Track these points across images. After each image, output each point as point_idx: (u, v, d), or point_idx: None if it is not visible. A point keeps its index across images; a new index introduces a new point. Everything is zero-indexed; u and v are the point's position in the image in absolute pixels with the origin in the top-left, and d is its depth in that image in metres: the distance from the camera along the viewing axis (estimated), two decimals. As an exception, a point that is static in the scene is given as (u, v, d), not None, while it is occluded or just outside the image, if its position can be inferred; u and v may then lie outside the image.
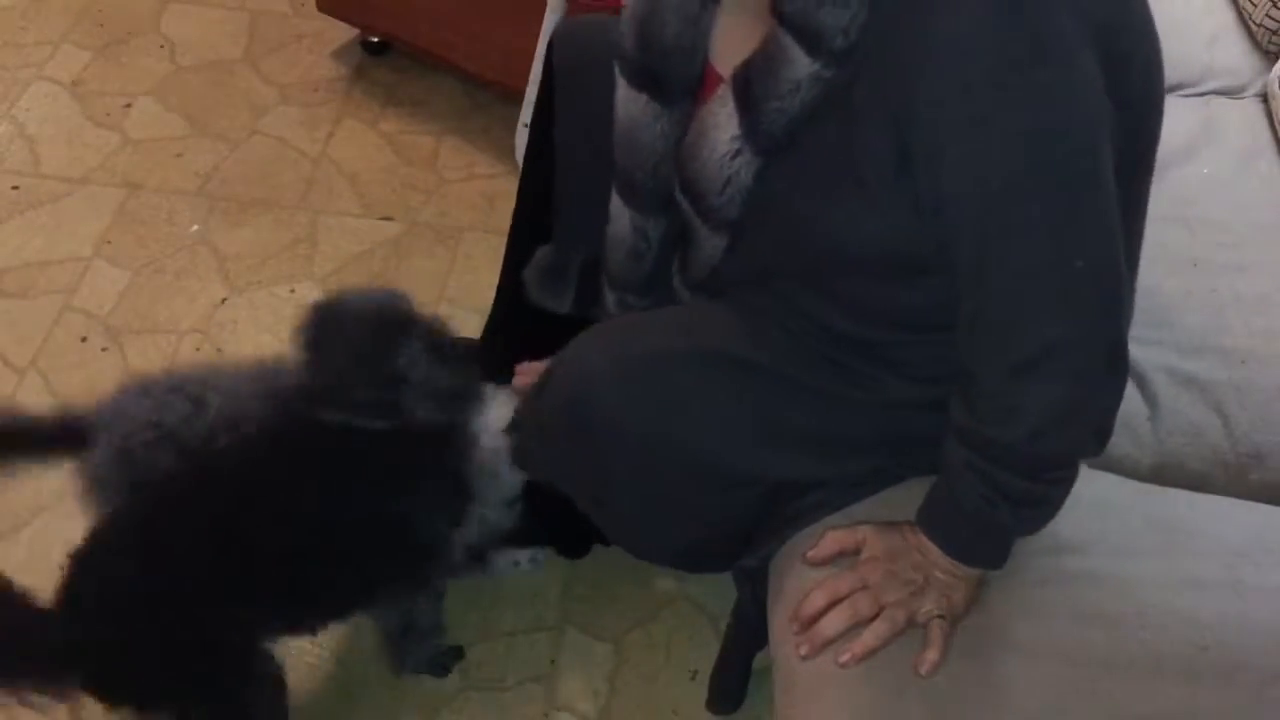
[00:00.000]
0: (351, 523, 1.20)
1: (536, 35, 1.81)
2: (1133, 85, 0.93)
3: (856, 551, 1.05)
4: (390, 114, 2.20)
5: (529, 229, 1.50)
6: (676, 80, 1.10)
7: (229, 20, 2.38)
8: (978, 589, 1.03)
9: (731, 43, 1.06)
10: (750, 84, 1.00)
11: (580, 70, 1.36)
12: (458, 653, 1.48)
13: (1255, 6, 1.68)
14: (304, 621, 1.28)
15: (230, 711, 1.20)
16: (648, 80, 1.11)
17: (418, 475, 1.25)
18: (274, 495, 1.19)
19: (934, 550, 1.01)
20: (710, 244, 1.12)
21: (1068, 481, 0.99)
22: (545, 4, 1.79)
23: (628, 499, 1.17)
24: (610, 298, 1.27)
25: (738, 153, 1.03)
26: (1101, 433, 0.99)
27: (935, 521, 1.02)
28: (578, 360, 1.15)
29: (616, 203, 1.19)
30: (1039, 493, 0.97)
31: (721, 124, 1.03)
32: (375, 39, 2.28)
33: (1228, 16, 1.74)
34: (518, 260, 1.47)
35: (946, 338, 0.98)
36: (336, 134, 2.16)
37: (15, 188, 2.02)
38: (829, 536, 1.06)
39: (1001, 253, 0.91)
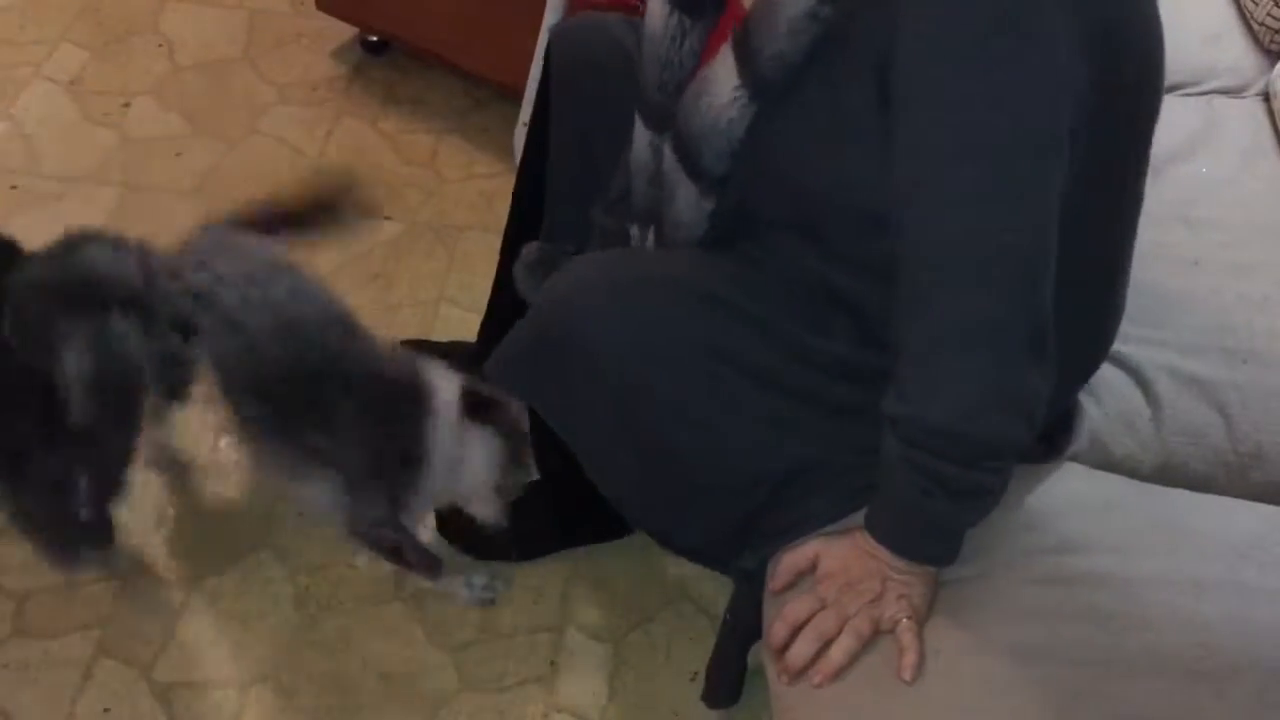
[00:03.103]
0: None
1: (536, 35, 1.80)
2: (1127, 72, 0.93)
3: (813, 569, 1.05)
4: (390, 113, 2.20)
5: (524, 226, 1.50)
6: None
7: (228, 19, 2.37)
8: (935, 585, 1.03)
9: None
10: (749, 34, 1.00)
11: (578, 68, 1.36)
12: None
13: (1257, 5, 1.68)
14: None
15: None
16: None
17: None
18: None
19: (884, 552, 1.00)
20: (695, 208, 1.11)
21: (1005, 471, 0.98)
22: (545, 4, 1.79)
23: (598, 420, 1.15)
24: (636, 234, 1.26)
25: (733, 100, 1.03)
26: (1031, 419, 0.97)
27: (879, 522, 1.01)
28: (565, 275, 1.15)
29: (638, 126, 1.18)
30: (975, 481, 0.97)
31: (721, 79, 1.03)
32: (374, 38, 2.27)
33: (1229, 15, 1.74)
34: (513, 257, 1.47)
35: None
36: (336, 133, 2.15)
37: (14, 187, 2.01)
38: (783, 563, 1.06)
39: (932, 214, 0.92)
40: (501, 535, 1.46)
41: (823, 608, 1.01)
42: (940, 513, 0.98)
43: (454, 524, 1.56)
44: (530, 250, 1.43)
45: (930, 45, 0.88)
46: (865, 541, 1.02)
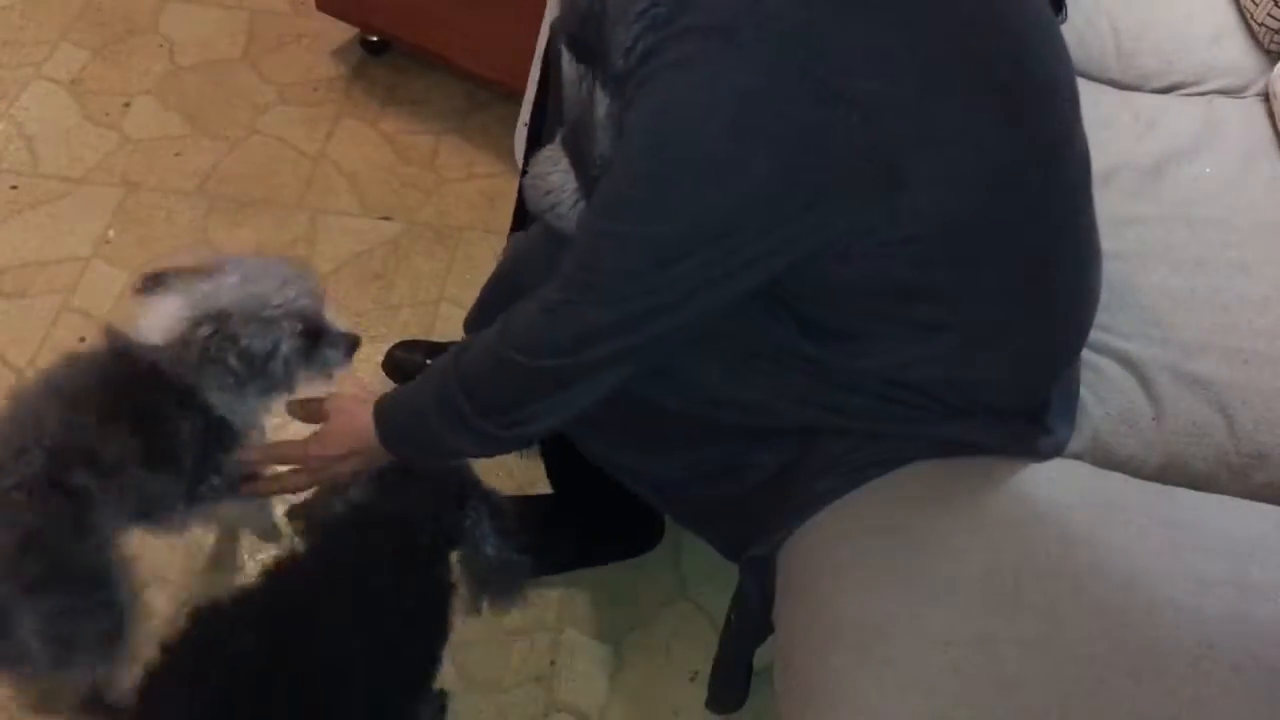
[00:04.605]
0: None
1: (536, 35, 1.80)
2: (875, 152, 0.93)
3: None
4: (390, 113, 2.20)
5: (527, 223, 1.50)
6: (590, 44, 1.09)
7: (228, 19, 2.37)
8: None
9: None
10: (577, 137, 1.06)
11: None
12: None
13: (1257, 6, 1.68)
14: None
15: None
16: (571, 41, 1.12)
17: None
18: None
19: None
20: None
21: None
22: (545, 4, 1.79)
23: None
24: None
25: (575, 204, 1.10)
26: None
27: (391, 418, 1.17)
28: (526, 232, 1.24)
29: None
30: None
31: (566, 180, 1.09)
32: (375, 38, 2.27)
33: (1229, 16, 1.74)
34: None
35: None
36: (336, 133, 2.15)
37: (14, 187, 2.01)
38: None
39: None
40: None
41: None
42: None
43: None
44: (518, 239, 1.44)
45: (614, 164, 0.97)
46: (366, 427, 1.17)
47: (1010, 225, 1.01)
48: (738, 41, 0.87)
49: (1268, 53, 1.69)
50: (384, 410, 1.17)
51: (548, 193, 1.11)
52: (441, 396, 1.10)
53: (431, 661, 1.20)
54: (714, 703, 1.32)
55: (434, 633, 1.20)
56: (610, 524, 1.54)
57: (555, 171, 1.11)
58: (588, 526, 1.55)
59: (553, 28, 1.40)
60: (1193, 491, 1.17)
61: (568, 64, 1.15)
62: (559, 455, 1.46)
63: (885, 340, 1.06)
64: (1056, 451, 1.17)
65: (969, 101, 0.94)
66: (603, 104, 1.01)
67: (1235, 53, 1.69)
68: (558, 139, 1.12)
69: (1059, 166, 1.05)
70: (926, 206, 0.94)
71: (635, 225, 0.95)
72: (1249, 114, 1.62)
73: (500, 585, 1.26)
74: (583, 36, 1.09)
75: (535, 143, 1.47)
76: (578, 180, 1.09)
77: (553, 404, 1.06)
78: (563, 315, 1.01)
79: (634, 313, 0.98)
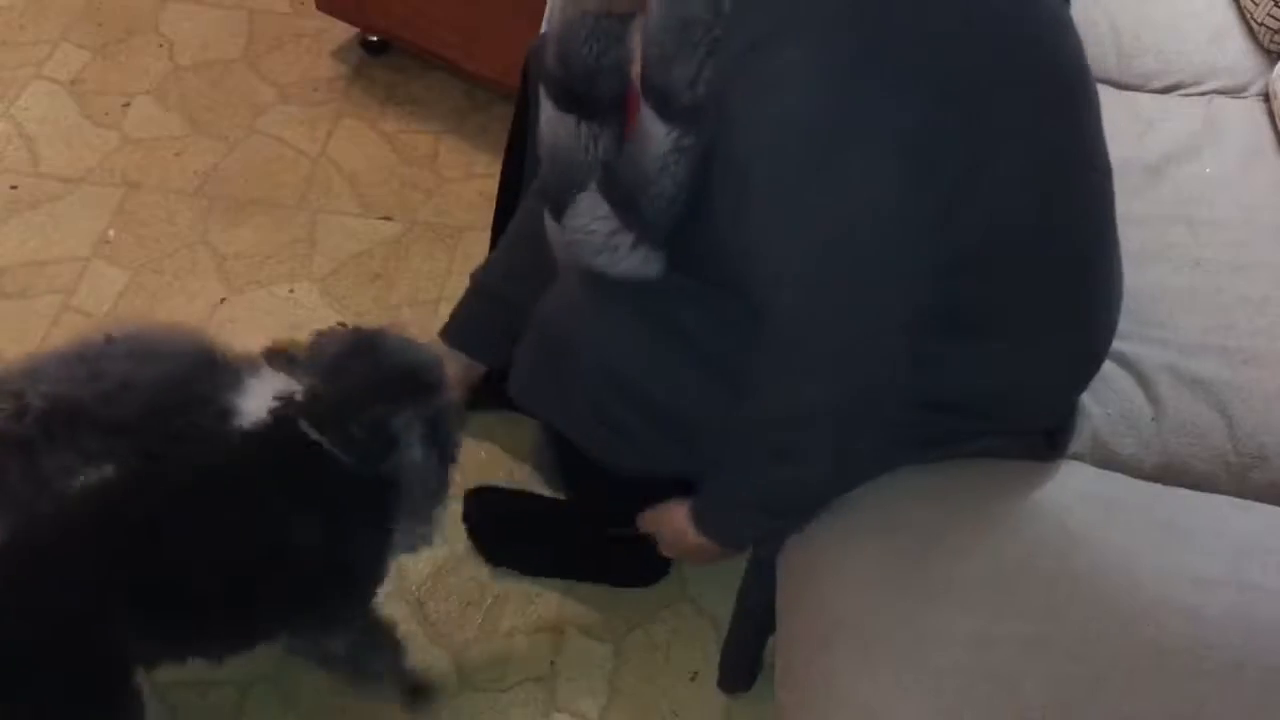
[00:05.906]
0: (283, 545, 1.13)
1: (536, 35, 1.81)
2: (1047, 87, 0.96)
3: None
4: (390, 113, 2.20)
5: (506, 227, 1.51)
6: (602, 99, 1.07)
7: (228, 19, 2.37)
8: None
9: None
10: (620, 177, 1.03)
11: None
12: (427, 692, 1.40)
13: (1257, 6, 1.68)
14: (191, 645, 1.17)
15: None
16: (573, 101, 1.08)
17: (356, 522, 1.17)
18: (221, 498, 1.12)
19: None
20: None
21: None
22: (545, 4, 1.79)
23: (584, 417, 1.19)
24: None
25: (645, 259, 1.06)
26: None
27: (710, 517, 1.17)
28: (553, 291, 1.19)
29: (552, 227, 1.15)
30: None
31: (611, 225, 1.05)
32: (375, 38, 2.27)
33: (1229, 15, 1.74)
34: None
35: None
36: (336, 133, 2.15)
37: (14, 187, 2.01)
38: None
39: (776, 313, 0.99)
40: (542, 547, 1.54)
41: None
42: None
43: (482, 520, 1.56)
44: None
45: (775, 162, 0.91)
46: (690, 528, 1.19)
47: (1045, 234, 1.01)
48: (802, 43, 0.86)
49: (1268, 53, 1.69)
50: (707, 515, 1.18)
51: (600, 251, 1.07)
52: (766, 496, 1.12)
53: (354, 581, 1.21)
54: (723, 682, 1.34)
55: (351, 546, 1.17)
56: (626, 556, 1.54)
57: (597, 220, 1.06)
58: (605, 550, 1.54)
59: (530, 58, 1.39)
60: (1192, 491, 1.18)
61: (551, 111, 1.09)
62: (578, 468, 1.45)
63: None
64: (1056, 456, 1.17)
65: (1018, 100, 0.95)
66: (662, 141, 0.96)
67: (1235, 53, 1.70)
68: (592, 187, 1.07)
69: (1086, 180, 1.06)
70: (978, 216, 0.94)
71: (792, 268, 0.94)
72: (1249, 114, 1.62)
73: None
74: (572, 87, 1.06)
75: (517, 168, 1.47)
76: (626, 223, 1.04)
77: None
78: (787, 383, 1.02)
79: (851, 340, 0.97)
